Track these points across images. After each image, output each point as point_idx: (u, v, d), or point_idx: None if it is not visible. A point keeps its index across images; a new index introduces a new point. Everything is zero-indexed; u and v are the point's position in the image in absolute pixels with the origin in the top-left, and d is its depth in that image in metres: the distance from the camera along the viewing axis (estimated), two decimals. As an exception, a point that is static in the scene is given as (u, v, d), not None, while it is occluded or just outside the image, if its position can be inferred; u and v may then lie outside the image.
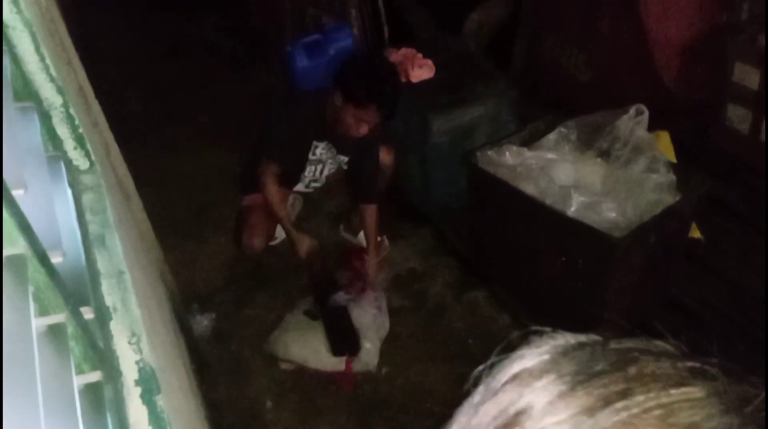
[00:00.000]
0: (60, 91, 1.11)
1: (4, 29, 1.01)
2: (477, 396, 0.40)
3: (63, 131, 1.15)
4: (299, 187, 2.58)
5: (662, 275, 2.24)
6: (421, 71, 2.72)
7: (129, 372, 0.83)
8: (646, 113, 2.16)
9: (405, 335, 2.35)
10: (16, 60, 1.04)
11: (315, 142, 2.38)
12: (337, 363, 2.20)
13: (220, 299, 2.51)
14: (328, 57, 2.97)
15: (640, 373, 0.36)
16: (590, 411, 0.35)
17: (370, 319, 2.28)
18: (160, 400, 0.80)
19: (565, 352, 0.39)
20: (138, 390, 0.81)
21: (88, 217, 1.09)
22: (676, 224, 2.07)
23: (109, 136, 1.64)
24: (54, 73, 1.09)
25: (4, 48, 1.01)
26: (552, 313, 2.15)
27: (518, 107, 2.83)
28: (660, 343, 0.39)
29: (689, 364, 0.37)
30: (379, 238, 2.69)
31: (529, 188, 2.10)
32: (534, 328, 0.42)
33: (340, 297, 2.33)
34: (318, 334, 2.23)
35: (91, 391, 0.73)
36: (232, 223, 2.65)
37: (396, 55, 2.82)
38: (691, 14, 2.77)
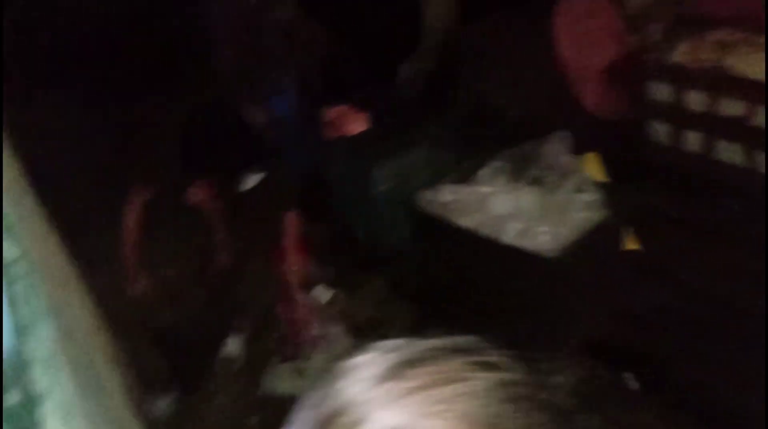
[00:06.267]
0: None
1: None
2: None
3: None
4: None
5: (606, 289, 2.30)
6: (356, 125, 2.81)
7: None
8: (568, 139, 2.28)
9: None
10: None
11: None
12: None
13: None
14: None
15: (429, 372, 0.42)
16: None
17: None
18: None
19: (373, 359, 0.44)
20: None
21: (20, 305, 1.11)
22: (609, 238, 2.15)
23: (48, 224, 1.66)
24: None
25: None
26: (512, 341, 2.19)
27: (456, 147, 2.93)
28: (460, 340, 0.46)
29: (479, 358, 0.42)
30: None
31: (467, 222, 2.18)
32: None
33: None
34: None
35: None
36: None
37: (330, 113, 2.91)
38: (602, 41, 2.94)
